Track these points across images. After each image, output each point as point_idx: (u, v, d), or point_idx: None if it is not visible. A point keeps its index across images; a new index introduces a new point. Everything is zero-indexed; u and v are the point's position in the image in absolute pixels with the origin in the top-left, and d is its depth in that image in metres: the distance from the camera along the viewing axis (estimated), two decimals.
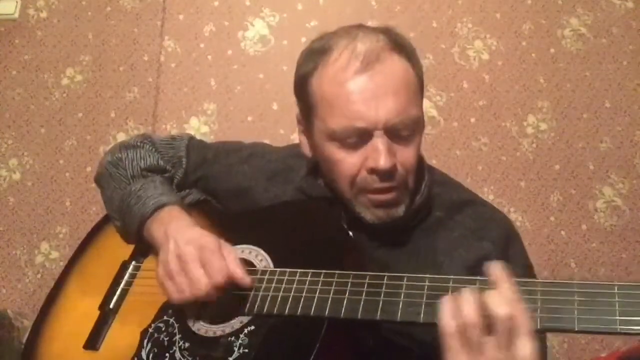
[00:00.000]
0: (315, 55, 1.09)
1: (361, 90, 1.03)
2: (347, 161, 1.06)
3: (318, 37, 1.13)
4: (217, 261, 1.01)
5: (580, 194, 2.28)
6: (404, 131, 1.05)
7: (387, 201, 1.07)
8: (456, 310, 0.81)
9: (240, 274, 1.01)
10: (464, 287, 0.85)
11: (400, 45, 1.08)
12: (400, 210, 1.09)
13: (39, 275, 2.38)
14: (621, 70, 2.35)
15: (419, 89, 1.10)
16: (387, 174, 1.04)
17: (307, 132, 1.15)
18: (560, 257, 2.23)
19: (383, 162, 1.02)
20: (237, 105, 2.47)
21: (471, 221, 1.15)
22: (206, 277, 1.00)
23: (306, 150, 1.17)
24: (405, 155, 1.06)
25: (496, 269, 0.84)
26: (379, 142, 1.02)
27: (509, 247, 1.13)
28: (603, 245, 2.23)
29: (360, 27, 1.11)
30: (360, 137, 1.04)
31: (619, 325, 0.77)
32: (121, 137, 2.48)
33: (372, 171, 1.04)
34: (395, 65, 1.05)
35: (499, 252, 1.10)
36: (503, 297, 0.80)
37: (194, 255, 1.02)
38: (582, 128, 2.32)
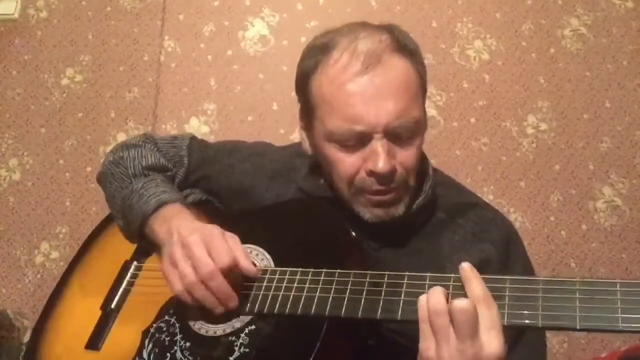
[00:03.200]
0: (317, 52, 1.08)
1: (361, 92, 1.01)
2: (346, 162, 1.05)
3: (322, 33, 1.12)
4: (221, 245, 0.99)
5: (580, 194, 2.28)
6: (404, 133, 1.04)
7: (386, 201, 1.07)
8: (427, 299, 0.84)
9: (245, 260, 1.00)
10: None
11: (403, 45, 1.07)
12: (400, 209, 1.08)
13: (39, 275, 2.38)
14: (621, 70, 2.35)
15: (421, 89, 1.09)
16: (385, 177, 1.03)
17: (308, 130, 1.14)
18: (560, 257, 2.24)
19: (382, 165, 1.01)
20: (237, 105, 2.47)
21: (473, 224, 1.14)
22: (210, 259, 0.98)
23: (307, 147, 1.17)
24: (406, 156, 1.05)
25: (466, 267, 0.85)
26: (378, 145, 1.02)
27: (509, 249, 1.12)
28: (603, 245, 2.23)
29: (365, 25, 1.09)
30: (359, 140, 1.03)
31: (621, 323, 0.77)
32: (121, 137, 2.48)
33: (371, 174, 1.03)
34: (396, 67, 1.04)
35: (500, 254, 1.09)
36: (466, 290, 0.83)
37: (198, 240, 1.00)
38: (582, 128, 2.32)
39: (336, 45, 1.05)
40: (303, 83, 1.10)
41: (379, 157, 1.01)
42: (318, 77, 1.07)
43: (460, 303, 0.80)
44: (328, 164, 1.09)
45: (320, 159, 1.13)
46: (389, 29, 1.08)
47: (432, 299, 0.83)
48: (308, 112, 1.11)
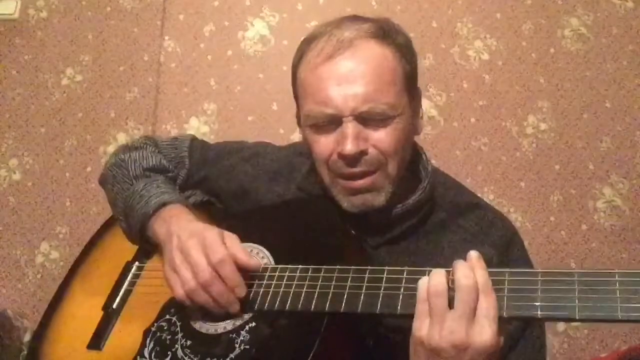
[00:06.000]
0: (304, 44, 1.11)
1: (330, 76, 1.04)
2: (321, 144, 1.07)
3: (314, 28, 1.14)
4: (219, 248, 1.00)
5: (580, 194, 2.28)
6: (375, 117, 1.04)
7: (361, 187, 1.06)
8: (429, 280, 0.85)
9: (244, 256, 1.00)
10: None
11: (385, 33, 1.07)
12: (380, 199, 1.07)
13: (39, 275, 2.38)
14: (621, 70, 2.35)
15: (402, 76, 1.08)
16: (352, 159, 1.04)
17: (300, 124, 1.16)
18: (560, 257, 2.24)
19: (348, 148, 1.02)
20: (237, 105, 2.47)
21: (473, 225, 1.14)
22: (208, 264, 0.99)
23: (306, 142, 1.18)
24: (379, 137, 1.05)
25: (474, 255, 0.86)
26: (347, 127, 1.03)
27: (510, 251, 1.12)
28: (603, 245, 2.23)
29: (355, 17, 1.12)
30: (331, 123, 1.05)
31: (620, 313, 0.77)
32: (121, 137, 2.48)
33: (340, 156, 1.05)
34: (368, 51, 1.05)
35: (500, 256, 1.09)
36: (470, 273, 0.83)
37: (196, 245, 1.01)
38: (582, 128, 2.32)
39: (319, 35, 1.08)
40: (292, 76, 1.14)
41: (346, 139, 1.02)
42: (301, 65, 1.10)
43: (466, 280, 0.82)
44: (310, 150, 1.11)
45: (308, 148, 1.14)
46: (377, 20, 1.10)
47: (434, 280, 0.84)
48: (297, 103, 1.14)
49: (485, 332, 0.80)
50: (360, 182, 1.06)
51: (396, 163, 1.07)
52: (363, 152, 1.04)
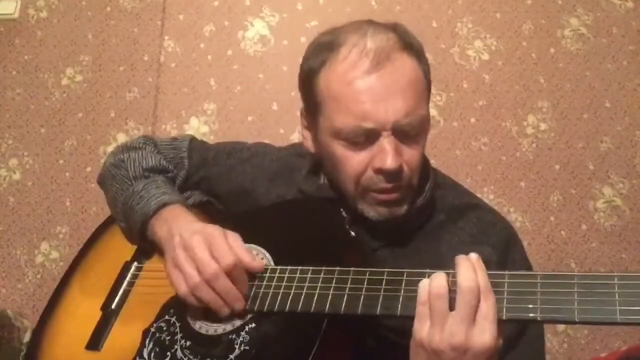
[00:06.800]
0: (324, 50, 1.07)
1: (370, 90, 1.01)
2: (354, 160, 1.05)
3: (327, 30, 1.11)
4: (223, 245, 1.00)
5: (580, 194, 2.28)
6: (411, 131, 1.04)
7: (391, 200, 1.07)
8: (430, 282, 0.85)
9: (247, 256, 1.00)
10: None
11: (409, 44, 1.07)
12: (403, 209, 1.09)
13: (39, 275, 2.38)
14: (621, 70, 2.35)
15: (427, 88, 1.10)
16: (393, 175, 1.03)
17: (311, 128, 1.14)
18: (560, 257, 2.23)
19: (390, 162, 1.01)
20: (237, 105, 2.47)
21: (473, 226, 1.14)
22: (213, 260, 0.98)
23: (309, 145, 1.16)
24: (411, 155, 1.05)
25: (474, 258, 0.86)
26: (387, 143, 1.02)
27: (509, 252, 1.12)
28: (603, 245, 2.23)
29: (370, 23, 1.10)
30: (367, 137, 1.03)
31: (619, 316, 0.77)
32: (121, 137, 2.48)
33: (379, 171, 1.03)
34: (404, 65, 1.04)
35: (499, 257, 1.09)
36: (472, 275, 0.83)
37: (200, 242, 1.00)
38: (582, 128, 2.32)
39: (344, 42, 1.05)
40: (308, 80, 1.09)
41: (388, 154, 1.01)
42: (325, 74, 1.06)
43: (468, 282, 0.82)
44: (333, 162, 1.09)
45: (325, 158, 1.13)
46: (394, 28, 1.09)
47: (435, 282, 0.85)
48: (312, 110, 1.10)
49: (485, 334, 0.81)
50: (392, 196, 1.06)
51: (418, 176, 1.09)
52: (401, 168, 1.03)
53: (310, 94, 1.10)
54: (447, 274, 0.86)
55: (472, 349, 0.81)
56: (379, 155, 1.03)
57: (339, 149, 1.06)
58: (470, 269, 0.84)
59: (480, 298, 0.82)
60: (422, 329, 0.84)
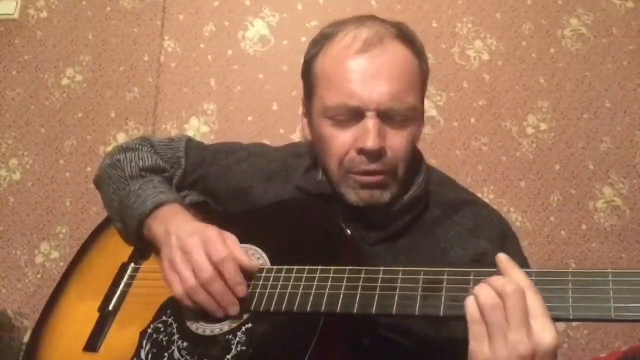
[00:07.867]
0: (322, 39, 1.13)
1: (359, 69, 1.05)
2: (338, 138, 1.07)
3: (331, 23, 1.16)
4: (220, 247, 1.00)
5: (580, 194, 2.27)
6: (396, 116, 1.06)
7: (372, 183, 1.08)
8: (476, 298, 0.81)
9: (245, 259, 1.01)
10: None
11: (406, 37, 1.10)
12: (385, 196, 1.09)
13: (39, 275, 2.38)
14: (621, 70, 2.34)
15: (420, 82, 1.12)
16: (374, 155, 1.05)
17: (308, 113, 1.17)
18: (560, 257, 2.23)
19: (371, 142, 1.03)
20: (237, 105, 2.47)
21: (468, 221, 1.15)
22: (210, 264, 0.99)
23: (306, 132, 1.19)
24: (396, 140, 1.07)
25: (503, 258, 0.84)
26: (370, 123, 1.04)
27: (505, 246, 1.12)
28: (603, 245, 2.22)
29: (373, 16, 1.13)
30: (352, 116, 1.06)
31: (614, 312, 0.77)
32: (121, 137, 2.48)
33: (361, 151, 1.05)
34: (395, 50, 1.07)
35: (495, 250, 1.09)
36: (510, 277, 0.80)
37: (197, 243, 1.01)
38: (582, 128, 2.32)
39: (342, 30, 1.10)
40: (307, 67, 1.14)
41: (369, 134, 1.03)
42: (322, 57, 1.11)
43: (510, 286, 0.77)
44: (322, 144, 1.11)
45: (316, 141, 1.14)
46: (395, 24, 1.12)
47: (482, 296, 0.79)
48: (309, 93, 1.14)
49: (546, 332, 0.77)
50: (372, 178, 1.07)
51: (404, 167, 1.10)
52: (382, 150, 1.05)
53: (308, 79, 1.14)
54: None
55: (539, 351, 0.77)
56: (361, 135, 1.05)
57: (327, 128, 1.08)
58: (508, 272, 0.81)
59: (530, 293, 0.78)
60: (482, 348, 0.79)
